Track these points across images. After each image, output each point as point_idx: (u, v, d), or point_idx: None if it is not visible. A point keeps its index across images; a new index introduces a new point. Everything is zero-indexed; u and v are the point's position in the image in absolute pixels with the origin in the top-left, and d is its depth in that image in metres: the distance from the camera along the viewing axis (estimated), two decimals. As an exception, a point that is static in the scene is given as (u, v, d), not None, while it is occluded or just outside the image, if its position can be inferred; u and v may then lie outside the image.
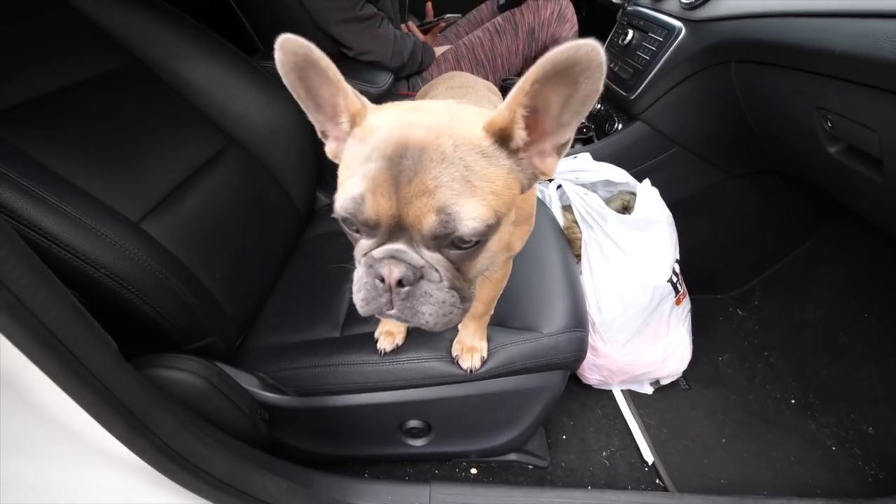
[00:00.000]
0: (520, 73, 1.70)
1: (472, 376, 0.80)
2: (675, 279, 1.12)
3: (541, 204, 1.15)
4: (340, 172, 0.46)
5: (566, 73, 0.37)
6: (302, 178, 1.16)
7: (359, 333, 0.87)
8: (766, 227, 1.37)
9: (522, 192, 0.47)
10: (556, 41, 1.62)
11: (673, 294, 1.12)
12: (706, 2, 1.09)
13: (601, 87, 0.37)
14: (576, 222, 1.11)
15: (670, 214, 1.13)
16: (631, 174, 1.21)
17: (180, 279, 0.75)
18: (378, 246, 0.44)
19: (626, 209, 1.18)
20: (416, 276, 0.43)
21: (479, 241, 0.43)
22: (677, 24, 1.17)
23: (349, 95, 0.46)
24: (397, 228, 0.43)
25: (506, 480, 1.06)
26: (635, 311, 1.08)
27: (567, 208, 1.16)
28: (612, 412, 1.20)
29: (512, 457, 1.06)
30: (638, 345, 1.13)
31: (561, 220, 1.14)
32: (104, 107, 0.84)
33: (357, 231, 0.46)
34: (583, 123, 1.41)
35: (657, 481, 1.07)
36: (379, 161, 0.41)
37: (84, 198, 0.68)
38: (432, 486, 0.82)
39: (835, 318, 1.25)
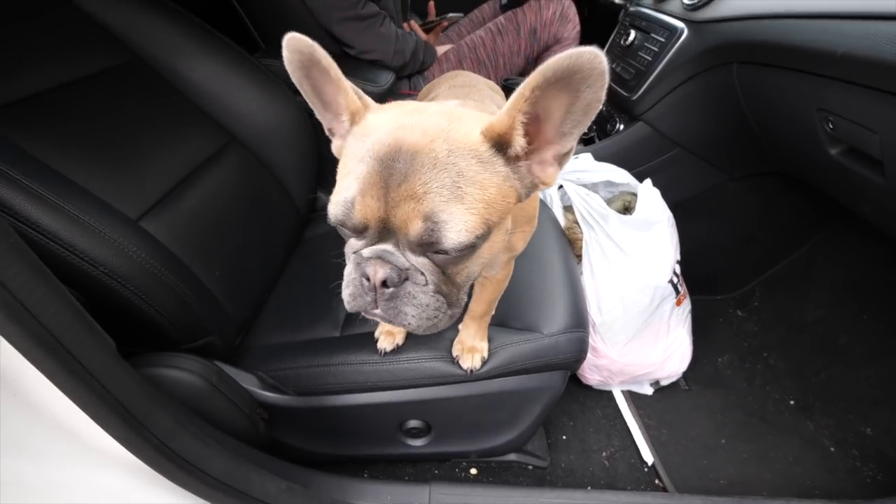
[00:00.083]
0: (522, 73, 1.71)
1: (472, 376, 0.79)
2: (675, 280, 1.12)
3: (542, 204, 1.14)
4: (339, 169, 0.47)
5: (567, 81, 0.36)
6: (303, 177, 1.15)
7: (359, 333, 0.86)
8: (767, 228, 1.37)
9: (519, 200, 0.46)
10: (558, 41, 1.62)
11: (673, 295, 1.12)
12: (708, 3, 1.09)
13: (603, 97, 0.37)
14: (577, 223, 1.11)
15: (671, 215, 1.13)
16: (632, 175, 1.21)
17: (179, 277, 0.74)
18: (367, 246, 0.45)
19: (627, 210, 1.18)
20: (401, 277, 0.44)
21: (467, 249, 0.43)
22: (679, 24, 1.17)
23: (349, 94, 0.46)
24: (385, 230, 0.43)
25: (505, 481, 1.06)
26: (636, 312, 1.08)
27: (568, 208, 1.16)
28: (612, 413, 1.20)
29: (512, 457, 1.06)
30: (638, 345, 1.13)
31: (562, 221, 1.14)
32: (105, 104, 0.83)
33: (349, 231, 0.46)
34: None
35: (657, 482, 1.07)
36: (372, 163, 0.41)
37: (83, 195, 0.68)
38: (432, 487, 0.82)
39: (834, 319, 1.25)
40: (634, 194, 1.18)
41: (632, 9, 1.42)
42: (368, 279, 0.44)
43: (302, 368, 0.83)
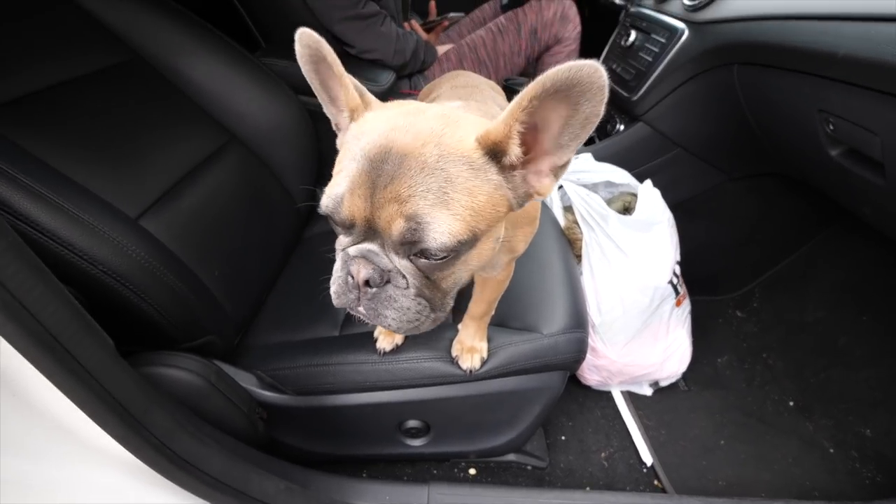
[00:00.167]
0: (522, 73, 1.70)
1: (471, 376, 0.79)
2: (675, 280, 1.12)
3: (542, 205, 1.14)
4: (335, 164, 0.47)
5: (566, 93, 0.36)
6: (303, 176, 1.15)
7: (358, 333, 0.86)
8: (767, 229, 1.37)
9: (511, 210, 0.46)
10: (558, 41, 1.62)
11: (673, 295, 1.12)
12: (709, 4, 1.09)
13: (602, 111, 0.37)
14: (577, 223, 1.10)
15: (671, 216, 1.13)
16: (632, 175, 1.21)
17: (179, 276, 0.74)
18: (354, 244, 0.45)
19: (627, 210, 1.18)
20: (383, 279, 0.44)
21: (450, 255, 0.43)
22: (680, 25, 1.17)
23: (349, 90, 0.47)
24: (371, 230, 0.43)
25: (504, 481, 1.06)
26: (635, 313, 1.08)
27: (568, 209, 1.16)
28: (612, 413, 1.20)
29: (511, 457, 1.06)
30: (638, 346, 1.12)
31: (562, 221, 1.14)
32: (105, 103, 0.83)
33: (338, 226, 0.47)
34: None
35: (656, 482, 1.07)
36: (363, 162, 0.42)
37: (82, 194, 0.68)
38: (431, 487, 0.82)
39: (834, 320, 1.25)
40: (634, 195, 1.18)
41: (632, 9, 1.42)
42: (353, 277, 0.44)
43: (301, 368, 0.83)
